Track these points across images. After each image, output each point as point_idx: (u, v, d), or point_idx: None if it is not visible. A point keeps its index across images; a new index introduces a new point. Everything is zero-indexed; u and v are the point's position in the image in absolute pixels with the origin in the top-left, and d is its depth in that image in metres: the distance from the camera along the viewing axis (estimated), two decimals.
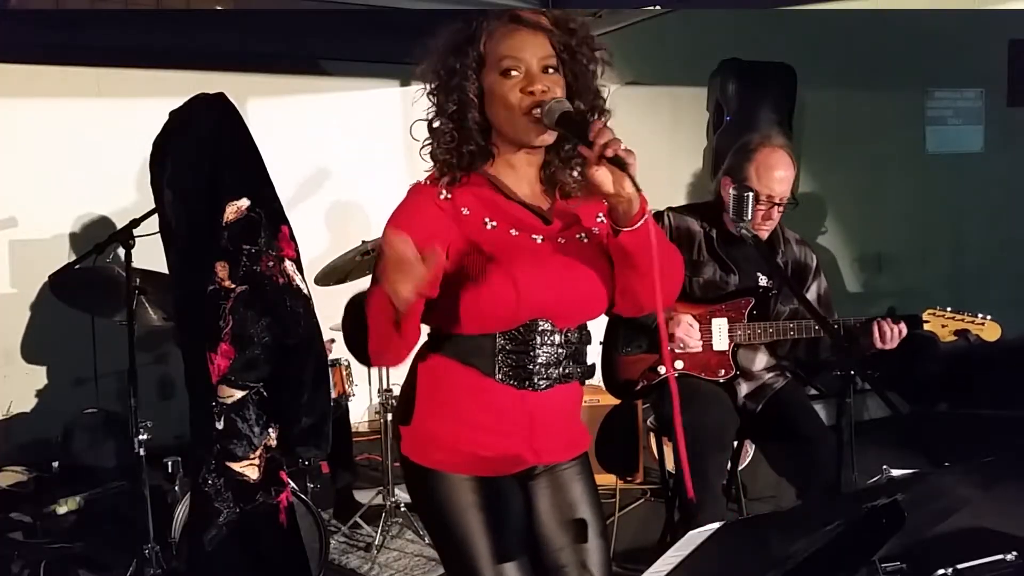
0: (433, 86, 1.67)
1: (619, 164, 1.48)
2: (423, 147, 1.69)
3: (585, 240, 1.70)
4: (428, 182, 1.67)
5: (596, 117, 1.66)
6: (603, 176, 1.52)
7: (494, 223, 1.64)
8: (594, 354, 2.89)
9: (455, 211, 1.63)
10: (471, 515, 1.67)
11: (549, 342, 1.66)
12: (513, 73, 1.61)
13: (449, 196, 1.64)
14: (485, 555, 1.65)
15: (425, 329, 1.67)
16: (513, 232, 1.64)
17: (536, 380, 1.66)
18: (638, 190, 1.53)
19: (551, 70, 1.62)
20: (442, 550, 1.75)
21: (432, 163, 1.68)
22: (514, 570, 1.65)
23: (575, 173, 1.69)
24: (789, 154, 2.72)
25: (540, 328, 1.65)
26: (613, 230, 1.60)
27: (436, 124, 1.67)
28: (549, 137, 1.62)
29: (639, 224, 1.56)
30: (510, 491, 1.72)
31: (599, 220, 1.71)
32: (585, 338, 1.74)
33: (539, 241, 1.65)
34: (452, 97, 1.64)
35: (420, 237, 1.54)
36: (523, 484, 1.75)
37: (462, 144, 1.65)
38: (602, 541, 1.78)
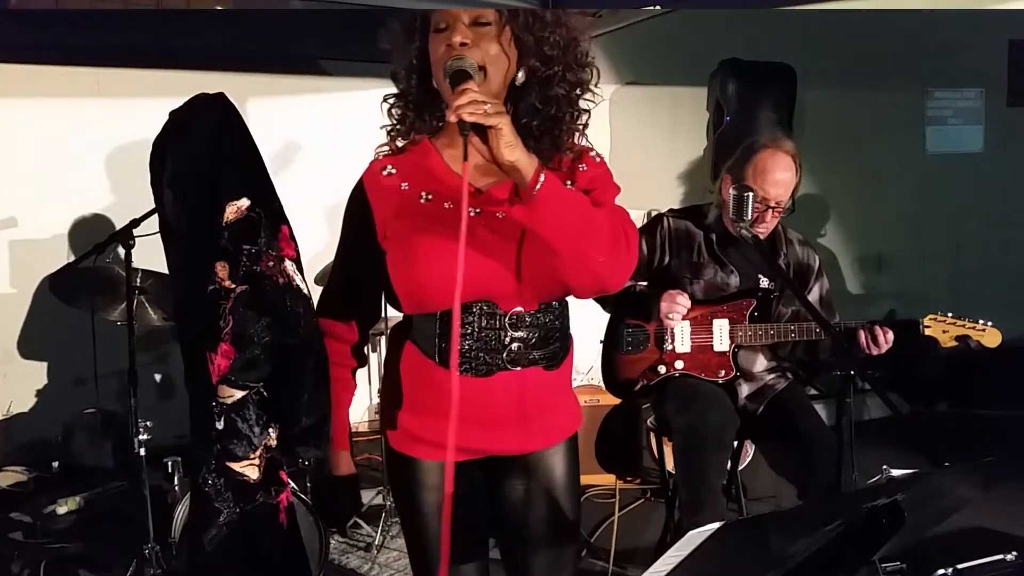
0: (389, 61, 1.62)
1: (477, 129, 1.39)
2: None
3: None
4: (376, 158, 1.65)
5: (555, 71, 1.54)
6: (479, 144, 1.42)
7: (429, 196, 1.58)
8: (595, 353, 2.92)
9: (396, 186, 1.60)
10: (429, 497, 1.66)
11: (493, 325, 1.56)
12: (442, 27, 1.52)
13: (393, 171, 1.61)
14: (432, 547, 1.65)
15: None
16: (447, 205, 1.57)
17: (476, 365, 1.57)
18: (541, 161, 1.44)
19: (483, 22, 1.51)
20: (406, 536, 1.75)
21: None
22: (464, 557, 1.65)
23: (545, 138, 1.58)
24: (793, 159, 2.70)
25: (482, 310, 1.56)
26: (509, 201, 1.48)
27: (388, 93, 1.64)
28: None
29: (532, 195, 1.42)
30: (476, 478, 1.68)
31: None
32: (548, 320, 1.60)
33: (473, 215, 1.55)
34: (399, 64, 1.60)
35: (354, 223, 1.62)
36: (493, 472, 1.69)
37: (406, 109, 1.60)
38: (568, 532, 1.72)
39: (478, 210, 1.57)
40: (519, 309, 1.58)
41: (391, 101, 1.62)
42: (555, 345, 1.63)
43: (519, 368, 1.60)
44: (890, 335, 2.55)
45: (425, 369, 1.62)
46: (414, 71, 1.58)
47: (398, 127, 1.62)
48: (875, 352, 2.56)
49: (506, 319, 1.58)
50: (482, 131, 1.42)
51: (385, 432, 1.75)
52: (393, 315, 1.93)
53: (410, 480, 1.68)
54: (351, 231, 1.68)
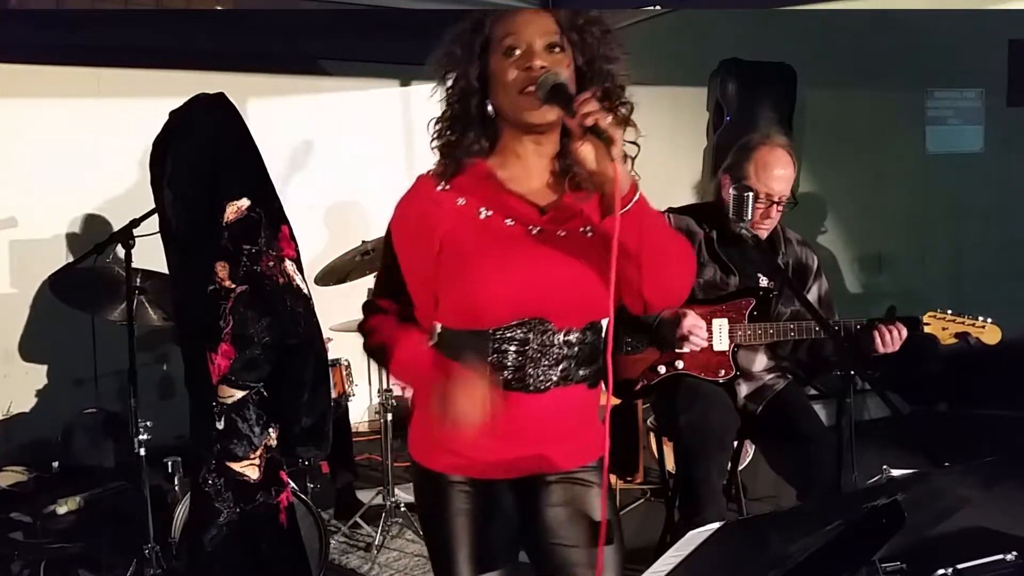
0: (442, 77, 1.62)
1: (600, 136, 1.40)
2: (432, 141, 1.64)
3: (589, 234, 1.60)
4: (430, 174, 1.63)
5: (614, 104, 1.58)
6: (586, 151, 1.45)
7: (489, 212, 1.58)
8: None
9: (451, 202, 1.59)
10: (457, 521, 1.63)
11: (547, 342, 1.58)
12: (515, 52, 1.55)
13: (448, 187, 1.60)
14: (464, 564, 1.61)
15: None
16: (508, 222, 1.58)
17: (529, 382, 1.58)
18: (633, 173, 1.48)
19: (556, 49, 1.56)
20: (430, 554, 1.71)
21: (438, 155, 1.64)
22: None
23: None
24: (789, 153, 2.71)
25: (537, 327, 1.57)
26: (600, 215, 1.52)
27: (441, 114, 1.62)
28: (550, 114, 1.52)
29: (628, 208, 1.45)
30: (504, 498, 1.66)
31: None
32: (592, 339, 1.63)
33: (535, 232, 1.58)
34: (457, 84, 1.59)
35: (411, 231, 1.58)
36: (528, 491, 1.68)
37: (463, 132, 1.59)
38: (613, 550, 1.67)
39: (539, 228, 1.58)
40: (571, 327, 1.60)
41: (444, 125, 1.62)
42: (598, 364, 1.65)
43: (569, 385, 1.61)
44: (904, 331, 2.54)
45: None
46: (473, 94, 1.58)
47: (455, 150, 1.60)
48: (888, 350, 2.56)
49: (560, 336, 1.59)
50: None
51: (411, 448, 1.73)
52: None
53: (438, 498, 1.65)
54: (408, 244, 1.63)
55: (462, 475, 1.64)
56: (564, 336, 1.60)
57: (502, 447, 1.61)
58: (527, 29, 1.55)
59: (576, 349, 1.61)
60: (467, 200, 1.59)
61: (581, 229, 1.61)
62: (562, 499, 1.68)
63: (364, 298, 5.52)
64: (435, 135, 1.63)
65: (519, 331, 1.57)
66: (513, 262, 1.55)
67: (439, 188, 1.60)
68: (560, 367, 1.60)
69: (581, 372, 1.62)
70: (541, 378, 1.59)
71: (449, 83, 1.61)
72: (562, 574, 1.67)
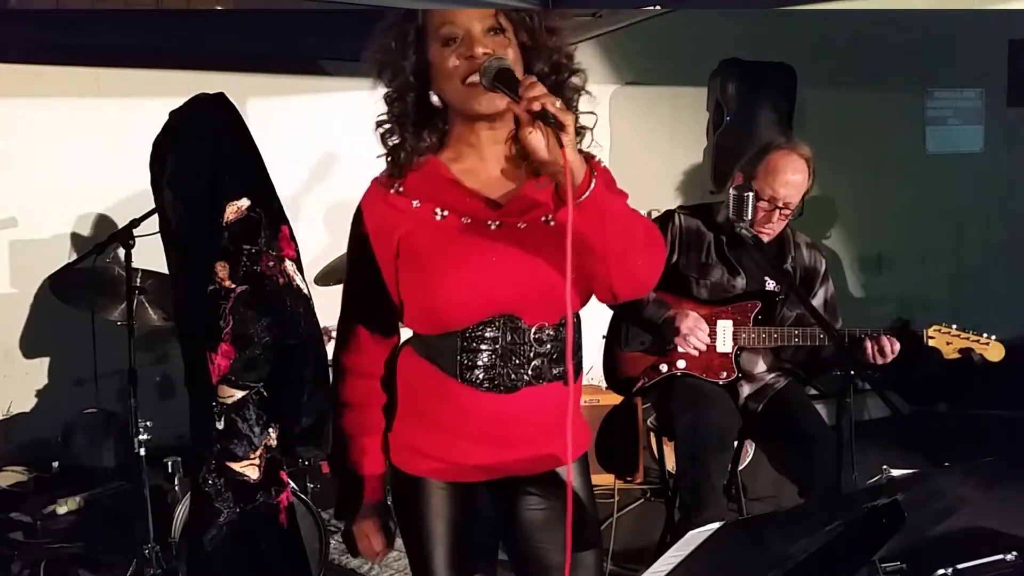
0: (378, 74, 1.54)
1: (547, 121, 1.32)
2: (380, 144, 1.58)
3: (552, 223, 1.52)
4: (382, 177, 1.58)
5: (564, 76, 1.53)
6: (536, 140, 1.35)
7: (444, 212, 1.52)
8: (596, 350, 2.92)
9: (406, 205, 1.54)
10: (436, 525, 1.59)
11: (517, 340, 1.53)
12: (454, 40, 1.47)
13: (401, 190, 1.55)
14: (442, 567, 1.59)
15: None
16: (465, 220, 1.52)
17: (500, 382, 1.53)
18: (591, 158, 1.43)
19: (495, 32, 1.48)
20: (409, 559, 1.68)
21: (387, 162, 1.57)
22: None
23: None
24: (807, 163, 2.69)
25: (507, 324, 1.52)
26: (554, 205, 1.43)
27: (380, 115, 1.55)
28: (499, 101, 1.44)
29: (583, 198, 1.37)
30: (485, 501, 1.62)
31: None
32: (565, 335, 1.55)
33: (494, 227, 1.52)
34: (395, 80, 1.52)
35: (371, 235, 1.54)
36: (505, 492, 1.65)
37: (404, 130, 1.53)
38: (592, 553, 1.67)
39: (498, 223, 1.52)
40: (543, 323, 1.55)
41: (387, 127, 1.55)
42: (570, 357, 1.58)
43: (542, 384, 1.56)
44: (896, 346, 2.54)
45: (441, 385, 1.57)
46: (411, 89, 1.52)
47: (400, 152, 1.54)
48: (880, 362, 2.56)
49: (531, 333, 1.54)
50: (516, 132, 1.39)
51: (392, 454, 1.69)
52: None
53: (416, 501, 1.62)
54: (359, 258, 1.60)
55: (440, 479, 1.60)
56: (535, 333, 1.55)
57: (478, 450, 1.57)
58: (462, 15, 1.48)
59: (549, 346, 1.56)
60: (421, 202, 1.53)
61: (543, 219, 1.53)
62: (540, 501, 1.65)
63: None
64: (380, 138, 1.56)
65: (488, 330, 1.52)
66: (472, 261, 1.49)
67: (392, 191, 1.55)
68: (531, 365, 1.55)
69: (555, 370, 1.57)
70: (513, 377, 1.54)
71: (386, 80, 1.54)
72: None
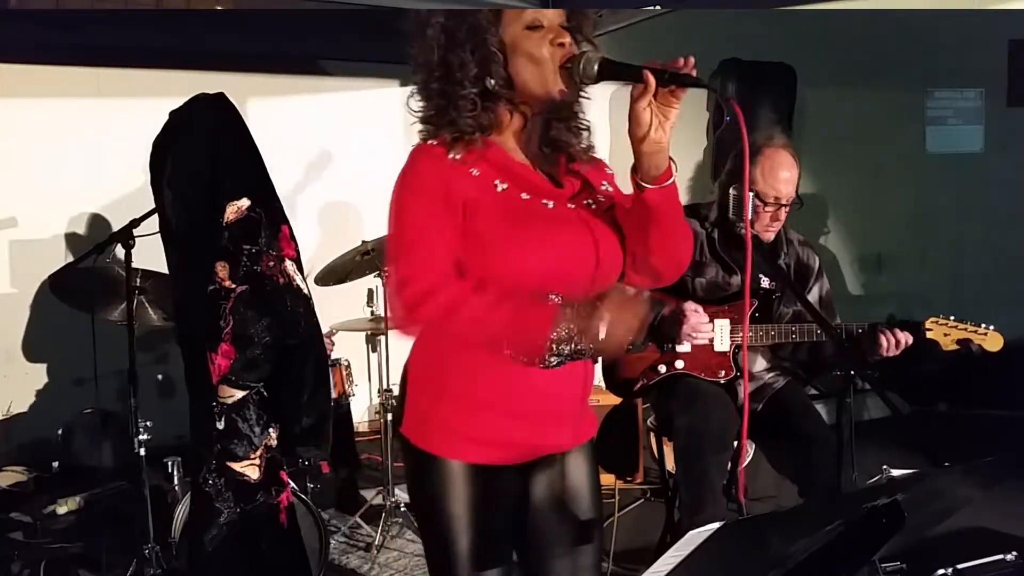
0: (440, 49, 1.54)
1: (697, 84, 1.44)
2: (418, 119, 1.59)
3: (593, 207, 1.61)
4: (437, 143, 1.56)
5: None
6: (647, 115, 1.46)
7: (504, 185, 1.55)
8: None
9: (465, 172, 1.54)
10: (459, 509, 1.58)
11: None
12: (540, 26, 1.54)
13: (458, 158, 1.54)
14: (464, 557, 1.58)
15: None
16: (524, 196, 1.56)
17: (546, 356, 1.51)
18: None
19: (570, 28, 1.57)
20: (425, 541, 1.68)
21: (435, 131, 1.57)
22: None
23: (584, 135, 1.63)
24: (792, 154, 2.71)
25: (552, 298, 1.54)
26: (638, 186, 1.52)
27: (451, 88, 1.54)
28: (569, 92, 1.56)
29: (668, 183, 1.51)
30: (509, 484, 1.63)
31: (603, 188, 1.65)
32: None
33: (550, 206, 1.57)
34: (472, 56, 1.53)
35: (437, 198, 1.51)
36: (524, 470, 1.66)
37: (484, 105, 1.55)
38: (598, 534, 1.71)
39: (551, 202, 1.57)
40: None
41: (454, 96, 1.54)
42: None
43: (579, 359, 1.58)
44: (909, 337, 2.53)
45: (486, 359, 1.56)
46: (495, 62, 1.54)
47: (470, 126, 1.54)
48: (890, 354, 2.55)
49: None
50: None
51: (407, 431, 1.65)
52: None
53: (441, 484, 1.59)
54: (430, 212, 1.54)
55: (471, 460, 1.59)
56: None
57: (518, 426, 1.59)
58: (543, 8, 1.58)
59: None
60: (480, 172, 1.55)
61: (586, 202, 1.61)
62: (556, 476, 1.67)
63: (364, 298, 5.51)
64: (438, 109, 1.56)
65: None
66: (533, 237, 1.52)
67: (450, 157, 1.54)
68: (572, 340, 1.52)
69: (590, 345, 1.56)
70: (554, 351, 1.52)
71: (455, 54, 1.54)
72: (546, 560, 1.68)
